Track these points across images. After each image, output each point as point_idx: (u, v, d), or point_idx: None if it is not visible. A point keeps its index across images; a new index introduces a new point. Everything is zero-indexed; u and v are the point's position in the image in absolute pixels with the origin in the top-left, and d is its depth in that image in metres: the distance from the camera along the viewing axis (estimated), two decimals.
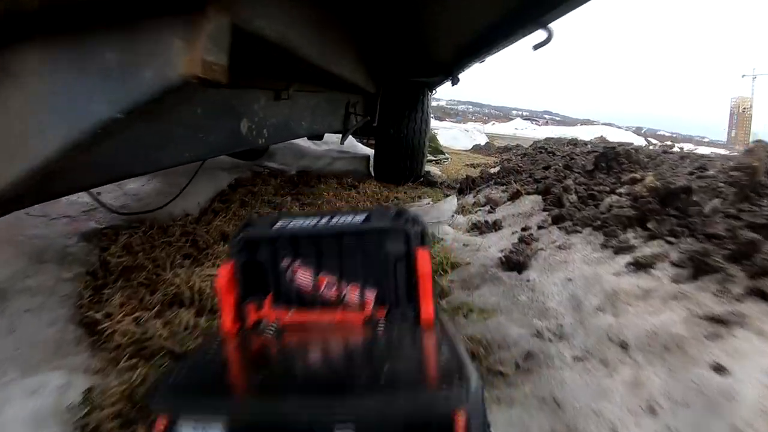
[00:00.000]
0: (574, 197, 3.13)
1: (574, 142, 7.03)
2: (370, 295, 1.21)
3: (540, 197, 3.62)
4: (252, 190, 4.27)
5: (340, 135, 5.14)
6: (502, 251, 2.62)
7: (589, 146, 6.33)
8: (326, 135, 7.33)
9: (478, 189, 5.28)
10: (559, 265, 2.28)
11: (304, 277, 1.22)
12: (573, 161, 4.49)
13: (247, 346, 1.12)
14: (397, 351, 1.03)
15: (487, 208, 4.41)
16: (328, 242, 1.20)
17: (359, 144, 8.66)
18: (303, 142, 7.49)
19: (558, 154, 5.91)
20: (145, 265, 2.34)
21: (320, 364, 1.02)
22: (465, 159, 11.17)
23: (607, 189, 3.13)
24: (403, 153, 5.65)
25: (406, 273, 1.17)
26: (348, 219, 1.21)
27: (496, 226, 3.25)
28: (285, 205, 3.88)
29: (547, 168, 4.80)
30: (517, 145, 14.99)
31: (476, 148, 15.21)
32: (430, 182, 5.96)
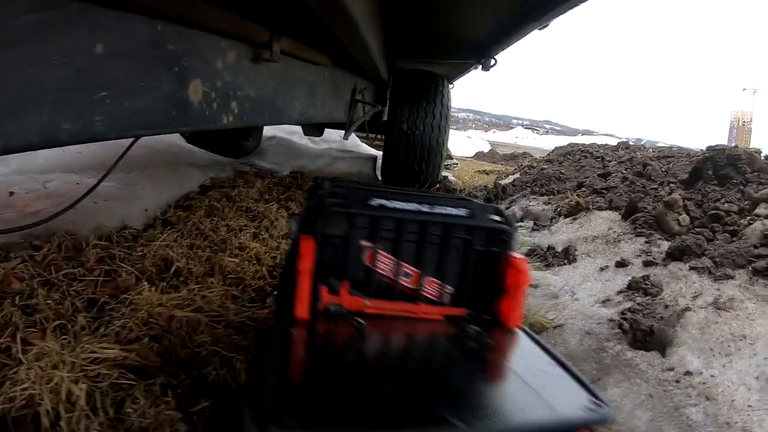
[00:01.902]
0: (685, 218, 2.15)
1: (625, 146, 6.03)
2: (448, 292, 1.17)
3: (616, 214, 2.65)
4: (228, 194, 3.28)
5: (343, 133, 4.10)
6: (605, 303, 1.68)
7: (650, 150, 5.37)
8: (326, 132, 6.44)
9: (511, 199, 4.30)
10: (734, 344, 1.32)
11: (383, 262, 1.14)
12: (648, 168, 3.50)
13: (338, 342, 1.04)
14: (508, 362, 1.01)
15: (531, 224, 3.45)
16: (414, 230, 1.13)
17: (363, 144, 7.71)
18: (299, 138, 6.53)
19: (608, 158, 4.95)
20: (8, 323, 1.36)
21: (437, 373, 0.93)
22: (473, 165, 10.51)
23: (736, 208, 2.15)
24: (418, 153, 4.65)
25: (489, 275, 1.15)
26: (442, 209, 1.13)
27: (569, 256, 2.27)
28: (269, 215, 2.88)
29: (605, 176, 3.82)
30: (525, 153, 14.25)
31: (479, 155, 14.71)
32: (447, 189, 4.99)
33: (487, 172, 9.23)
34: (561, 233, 2.72)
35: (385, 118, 4.96)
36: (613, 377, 1.30)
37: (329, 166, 5.43)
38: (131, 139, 1.95)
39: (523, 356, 1.02)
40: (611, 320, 1.51)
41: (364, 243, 1.13)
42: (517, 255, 1.13)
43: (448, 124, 4.81)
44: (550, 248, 2.44)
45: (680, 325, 1.43)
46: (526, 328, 1.14)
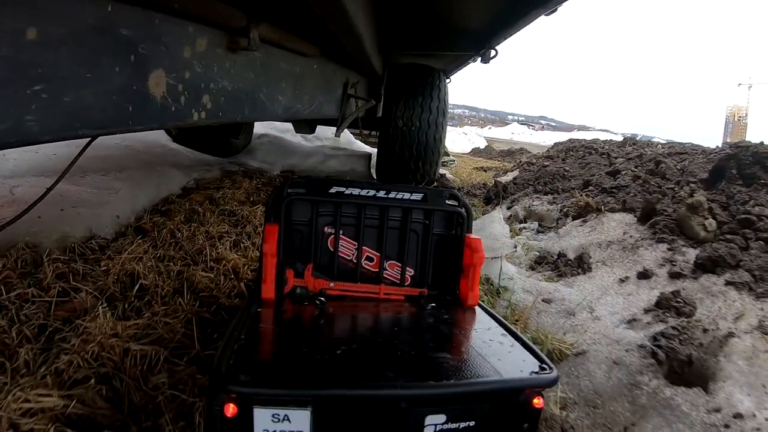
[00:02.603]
0: (711, 223, 1.94)
1: (632, 142, 5.80)
2: (409, 274, 1.26)
3: (631, 216, 2.44)
4: (212, 196, 3.06)
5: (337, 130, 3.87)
6: (632, 324, 1.47)
7: (659, 147, 5.15)
8: (318, 129, 6.21)
9: (512, 198, 4.09)
10: None
11: (346, 246, 1.23)
12: (662, 166, 3.28)
13: (300, 319, 1.09)
14: (462, 334, 1.04)
15: (536, 226, 3.24)
16: (374, 214, 1.23)
17: (357, 141, 7.49)
18: (292, 136, 6.30)
19: (615, 155, 4.73)
20: None
21: (391, 343, 0.97)
22: (470, 162, 10.34)
23: None
24: (415, 151, 4.42)
25: (448, 256, 1.24)
26: (406, 195, 1.24)
27: (582, 264, 2.06)
28: (253, 220, 2.67)
29: (614, 174, 3.60)
30: (521, 149, 14.08)
31: (476, 152, 14.58)
32: (445, 188, 4.76)
33: (485, 168, 9.05)
34: (571, 237, 2.51)
35: (379, 114, 4.73)
36: (650, 422, 1.08)
37: (321, 165, 5.20)
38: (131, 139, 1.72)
39: (478, 330, 1.08)
40: (642, 346, 1.30)
41: (327, 229, 1.24)
42: (473, 236, 1.23)
43: (446, 120, 4.58)
44: (561, 255, 2.23)
45: (723, 354, 1.21)
46: (485, 305, 1.20)
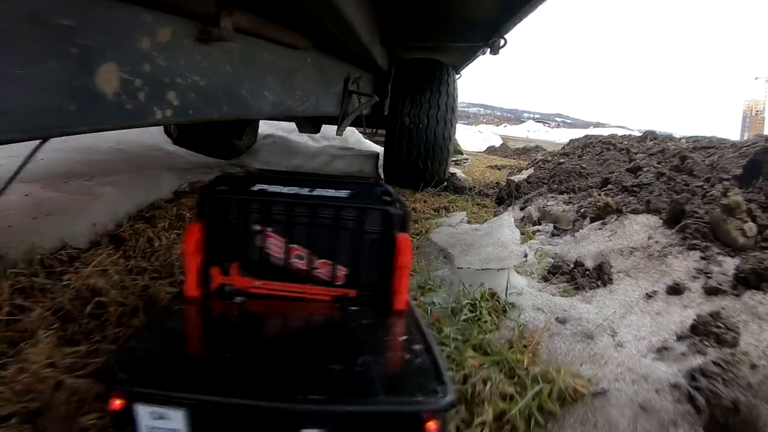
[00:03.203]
0: (752, 227, 1.71)
1: (653, 136, 5.52)
2: (341, 273, 1.22)
3: (656, 218, 2.21)
4: None
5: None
6: (662, 355, 1.26)
7: (683, 141, 4.88)
8: (326, 129, 6.02)
9: (525, 198, 3.85)
10: None
11: (275, 244, 1.21)
12: (688, 161, 3.03)
13: (211, 317, 1.10)
14: (370, 343, 0.99)
15: (551, 228, 3.01)
16: (304, 212, 1.19)
17: (366, 140, 7.29)
18: (296, 136, 6.13)
19: (635, 150, 4.47)
20: None
21: (290, 349, 0.96)
22: (484, 160, 10.09)
23: None
24: (423, 149, 4.22)
25: (382, 256, 1.19)
26: (331, 192, 1.19)
27: (602, 275, 1.83)
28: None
29: (635, 171, 3.36)
30: (537, 147, 13.80)
31: (491, 150, 14.32)
32: (456, 187, 4.54)
33: (499, 167, 8.80)
34: (589, 242, 2.28)
35: (386, 111, 4.54)
36: None
37: (327, 165, 5.01)
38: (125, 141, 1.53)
39: (394, 338, 1.04)
40: (675, 386, 1.07)
41: (257, 226, 1.20)
42: (403, 235, 1.16)
43: (455, 117, 4.37)
44: (578, 264, 2.00)
45: None
46: (414, 309, 1.15)
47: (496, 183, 5.40)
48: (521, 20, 3.16)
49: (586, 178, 3.92)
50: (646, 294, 1.63)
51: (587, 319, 1.52)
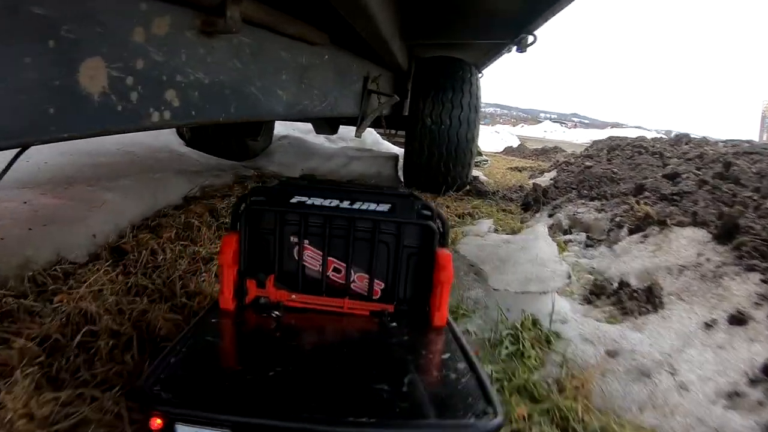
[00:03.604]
0: None
1: (687, 140, 5.27)
2: (378, 288, 1.19)
3: (704, 232, 2.00)
4: (215, 207, 2.70)
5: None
6: (733, 401, 1.11)
7: (721, 145, 4.64)
8: (343, 130, 5.85)
9: (554, 204, 3.65)
10: None
11: (311, 257, 1.19)
12: (734, 168, 2.81)
13: (248, 331, 1.08)
14: (414, 361, 0.95)
15: (583, 238, 2.81)
16: (342, 225, 1.17)
17: (384, 141, 7.11)
18: (313, 137, 5.97)
19: (668, 154, 4.25)
20: None
21: (333, 367, 0.92)
22: (503, 162, 9.88)
23: None
24: (445, 151, 4.03)
25: (420, 272, 1.17)
26: (370, 205, 1.16)
27: (652, 299, 1.63)
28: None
29: (672, 177, 3.14)
30: (556, 148, 13.57)
31: (508, 150, 13.96)
32: (479, 192, 4.34)
33: (520, 168, 8.58)
34: (631, 257, 2.08)
35: (406, 112, 4.36)
36: None
37: (344, 168, 4.84)
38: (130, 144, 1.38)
39: (435, 356, 1.01)
40: None
41: (293, 239, 1.18)
42: (444, 251, 1.14)
43: (479, 118, 4.17)
44: (623, 284, 1.80)
45: None
46: (454, 326, 1.12)
47: (520, 186, 5.20)
48: (554, 15, 2.95)
49: (617, 183, 3.71)
50: (705, 323, 1.43)
51: (641, 353, 1.33)
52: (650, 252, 2.04)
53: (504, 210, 3.77)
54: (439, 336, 1.08)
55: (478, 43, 4.11)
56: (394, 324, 1.12)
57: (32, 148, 1.04)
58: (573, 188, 3.89)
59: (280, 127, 5.99)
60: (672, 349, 1.33)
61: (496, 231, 3.00)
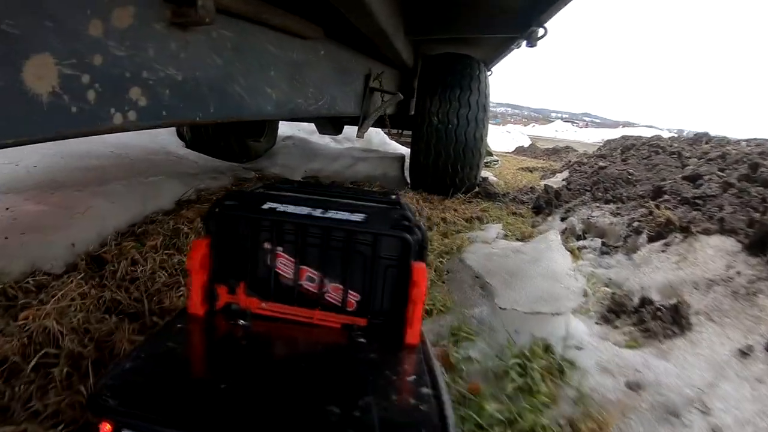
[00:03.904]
0: None
1: (707, 139, 5.05)
2: (353, 300, 1.14)
3: (733, 241, 1.83)
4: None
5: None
6: None
7: (743, 144, 4.43)
8: (348, 130, 5.70)
9: (567, 207, 3.48)
10: None
11: (285, 265, 1.15)
12: (762, 170, 2.63)
13: (213, 339, 1.05)
14: (375, 382, 0.91)
15: (598, 245, 2.65)
16: (316, 234, 1.12)
17: (392, 142, 6.96)
18: (318, 138, 5.83)
19: (688, 154, 4.05)
20: None
21: (290, 382, 0.88)
22: (514, 162, 9.72)
23: None
24: (453, 151, 3.86)
25: (396, 284, 1.12)
26: (345, 215, 1.12)
27: (678, 319, 1.47)
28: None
29: (694, 179, 2.96)
30: (567, 147, 13.38)
31: (519, 150, 13.80)
32: (489, 194, 4.18)
33: (531, 169, 8.39)
34: (651, 268, 1.91)
35: (412, 111, 4.20)
36: None
37: (349, 169, 4.68)
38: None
39: (400, 377, 0.93)
40: None
41: (267, 245, 1.13)
42: (419, 265, 1.07)
43: (487, 116, 4.00)
44: (645, 301, 1.63)
45: None
46: (427, 345, 1.06)
47: (531, 188, 5.02)
48: (565, 5, 2.78)
49: (634, 185, 3.53)
50: (740, 350, 1.26)
51: (668, 386, 1.16)
52: (673, 263, 1.87)
53: (514, 213, 3.61)
54: (409, 355, 1.02)
55: (486, 38, 3.93)
56: (363, 340, 1.06)
57: (22, 150, 0.91)
58: (587, 190, 3.72)
59: (285, 128, 5.86)
60: (703, 383, 1.17)
61: (505, 237, 2.84)
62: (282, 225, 1.12)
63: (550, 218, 3.41)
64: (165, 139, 4.19)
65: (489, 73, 4.60)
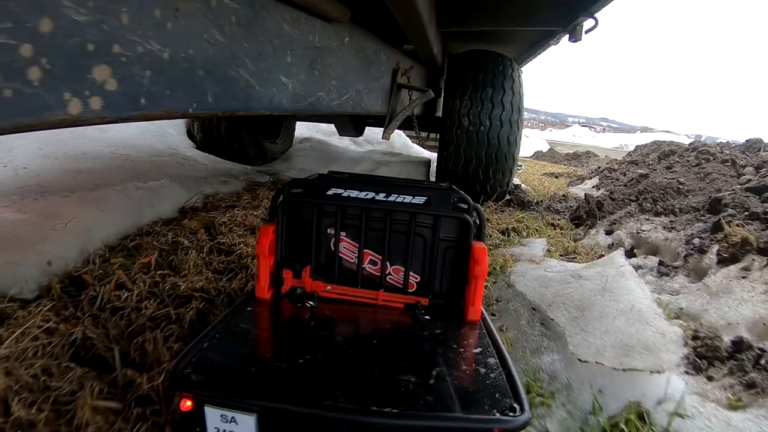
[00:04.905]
0: None
1: (762, 147, 4.61)
2: (413, 281, 1.20)
3: None
4: (214, 221, 2.26)
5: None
6: None
7: None
8: (369, 132, 5.38)
9: (612, 219, 3.14)
10: None
11: (348, 249, 1.20)
12: None
13: (283, 320, 1.08)
14: (444, 354, 0.95)
15: (654, 264, 2.32)
16: (378, 218, 1.18)
17: (414, 145, 6.64)
18: (337, 140, 5.53)
19: (743, 163, 3.68)
20: None
21: (362, 357, 0.91)
22: (536, 167, 9.45)
23: None
24: (485, 156, 3.52)
25: (455, 265, 1.17)
26: (407, 198, 1.16)
27: None
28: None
29: (760, 191, 2.61)
30: (588, 153, 13.09)
31: (539, 155, 13.49)
32: (521, 202, 3.84)
33: (556, 174, 8.05)
34: (734, 299, 1.58)
35: (439, 112, 3.87)
36: None
37: (371, 173, 4.36)
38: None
39: (467, 350, 0.98)
40: None
41: (330, 231, 1.19)
42: (479, 244, 1.12)
43: (522, 118, 3.66)
44: (741, 344, 1.30)
45: None
46: (488, 321, 1.10)
47: (563, 196, 4.67)
48: None
49: (685, 196, 3.18)
50: None
51: None
52: (761, 293, 1.54)
53: (552, 224, 3.27)
54: (472, 330, 1.06)
55: (520, 33, 3.62)
56: (427, 317, 1.11)
57: (14, 150, 0.62)
58: (632, 200, 3.37)
59: (302, 129, 5.56)
60: None
61: (547, 250, 2.51)
62: (345, 210, 1.17)
63: (593, 231, 3.08)
64: (174, 139, 3.90)
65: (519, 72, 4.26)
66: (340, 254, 1.20)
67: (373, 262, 1.19)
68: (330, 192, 1.17)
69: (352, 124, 4.09)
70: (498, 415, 0.75)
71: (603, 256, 2.59)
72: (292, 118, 4.53)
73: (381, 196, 1.16)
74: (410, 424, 0.74)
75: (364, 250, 1.18)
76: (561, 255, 2.51)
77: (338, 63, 1.79)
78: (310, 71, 1.57)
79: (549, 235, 2.89)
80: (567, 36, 3.11)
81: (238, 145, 4.05)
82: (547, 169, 9.30)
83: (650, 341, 1.26)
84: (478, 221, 1.15)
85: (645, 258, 2.51)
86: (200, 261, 1.77)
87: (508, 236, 2.77)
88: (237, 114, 1.21)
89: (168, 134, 3.90)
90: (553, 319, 1.46)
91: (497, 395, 0.80)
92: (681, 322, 1.56)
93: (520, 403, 0.78)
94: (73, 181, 2.32)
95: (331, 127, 5.23)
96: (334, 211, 1.18)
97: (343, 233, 1.19)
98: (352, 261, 1.20)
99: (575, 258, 2.45)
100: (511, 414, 0.75)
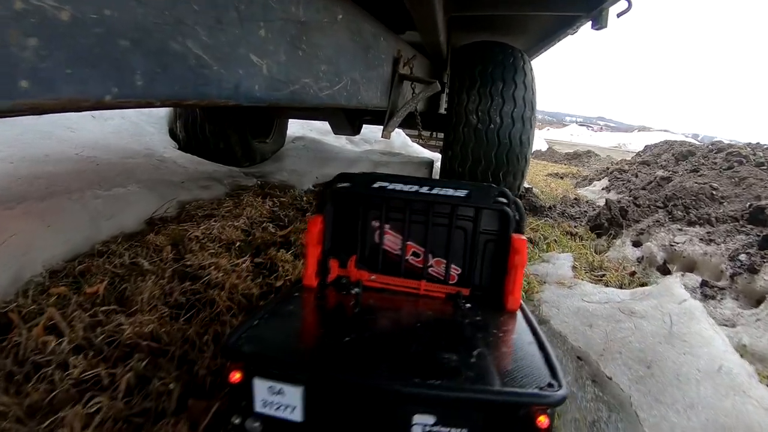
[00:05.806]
0: None
1: None
2: (455, 272, 1.24)
3: None
4: (184, 235, 1.92)
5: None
6: None
7: None
8: (366, 130, 5.04)
9: (639, 228, 2.81)
10: None
11: (392, 240, 1.25)
12: None
13: (328, 305, 1.12)
14: (484, 337, 0.98)
15: (695, 283, 2.01)
16: (421, 211, 1.23)
17: (414, 144, 6.30)
18: (333, 139, 5.18)
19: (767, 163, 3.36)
20: None
21: (405, 337, 0.96)
22: (538, 167, 9.09)
23: None
24: (494, 157, 3.17)
25: (496, 257, 1.21)
26: (448, 191, 1.20)
27: None
28: (229, 289, 1.51)
29: None
30: (588, 152, 12.88)
31: (538, 154, 13.20)
32: (534, 207, 3.51)
33: (560, 175, 7.75)
34: None
35: (442, 109, 3.53)
36: None
37: None
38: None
39: (506, 335, 1.01)
40: None
41: (375, 223, 1.25)
42: (518, 236, 1.16)
43: (535, 115, 3.33)
44: None
45: None
46: (526, 309, 1.14)
47: (575, 199, 4.35)
48: None
49: (720, 203, 2.86)
50: None
51: None
52: None
53: (569, 233, 2.94)
54: (511, 318, 1.09)
55: (533, 22, 3.28)
56: (468, 306, 1.14)
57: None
58: (659, 207, 3.04)
59: (295, 127, 5.21)
60: None
61: (574, 266, 2.18)
62: (390, 203, 1.22)
63: (617, 242, 2.75)
64: (153, 138, 3.54)
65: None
66: (384, 246, 1.24)
67: (415, 254, 1.23)
68: (376, 185, 1.21)
69: (347, 121, 3.73)
70: (536, 389, 0.77)
71: (635, 272, 2.26)
72: (282, 113, 4.17)
73: (425, 189, 1.19)
74: (453, 395, 0.76)
75: (407, 242, 1.22)
76: (586, 271, 2.18)
77: (329, 44, 1.44)
78: (292, 51, 1.22)
79: (570, 248, 2.56)
80: (590, 23, 2.77)
81: (224, 144, 3.70)
82: (549, 169, 9.03)
83: (755, 423, 0.92)
84: (518, 216, 1.17)
85: (682, 276, 2.18)
86: (158, 291, 1.43)
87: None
88: (184, 104, 0.87)
89: (147, 133, 3.55)
90: (610, 378, 1.13)
91: (535, 373, 0.82)
92: (751, 367, 1.23)
93: (558, 380, 0.80)
94: (25, 189, 1.97)
95: (327, 126, 4.88)
96: (379, 203, 1.22)
97: (387, 225, 1.24)
98: (396, 252, 1.24)
99: (604, 276, 2.12)
100: (550, 389, 0.77)
